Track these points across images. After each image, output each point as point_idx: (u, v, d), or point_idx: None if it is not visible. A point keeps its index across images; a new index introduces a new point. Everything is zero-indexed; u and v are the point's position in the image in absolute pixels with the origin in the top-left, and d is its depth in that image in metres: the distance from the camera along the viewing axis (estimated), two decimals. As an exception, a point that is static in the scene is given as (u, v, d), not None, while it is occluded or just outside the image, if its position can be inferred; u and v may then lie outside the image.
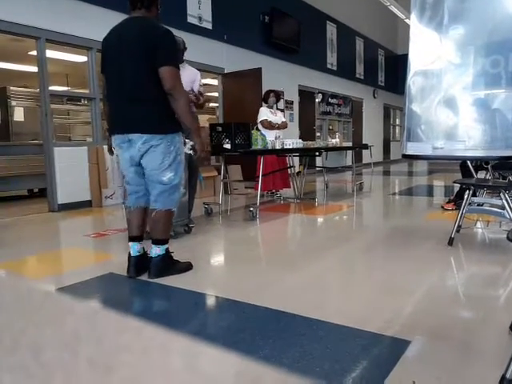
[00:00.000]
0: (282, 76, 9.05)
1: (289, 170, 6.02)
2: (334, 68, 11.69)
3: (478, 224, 4.01)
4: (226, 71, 7.72)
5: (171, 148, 2.40)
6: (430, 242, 3.34)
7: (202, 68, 6.94)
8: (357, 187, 6.90)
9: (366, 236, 3.79)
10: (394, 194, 7.10)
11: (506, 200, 2.95)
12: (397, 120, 16.94)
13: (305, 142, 5.61)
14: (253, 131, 4.81)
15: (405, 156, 1.81)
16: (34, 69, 5.58)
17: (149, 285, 2.45)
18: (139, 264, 2.55)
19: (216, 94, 8.21)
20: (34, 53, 5.23)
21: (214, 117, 9.04)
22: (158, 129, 2.36)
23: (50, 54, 5.38)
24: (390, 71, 15.39)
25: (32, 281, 2.49)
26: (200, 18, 7.14)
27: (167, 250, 2.56)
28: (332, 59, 11.57)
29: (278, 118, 5.97)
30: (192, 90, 3.67)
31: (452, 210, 4.58)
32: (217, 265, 3.11)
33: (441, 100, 1.68)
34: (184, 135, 2.63)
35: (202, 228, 4.00)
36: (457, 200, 4.54)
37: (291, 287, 2.39)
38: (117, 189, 5.53)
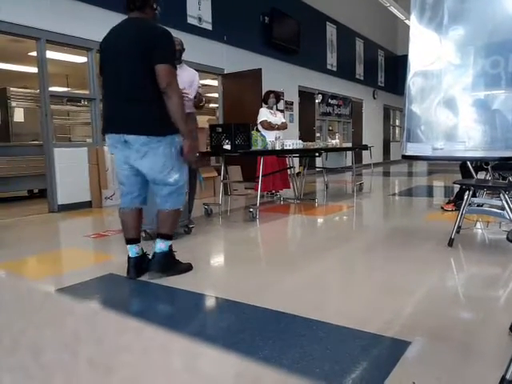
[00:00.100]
0: (282, 77, 9.06)
1: (289, 170, 6.02)
2: (334, 69, 11.69)
3: (478, 225, 4.01)
4: (225, 72, 7.72)
5: (172, 150, 2.39)
6: (429, 242, 3.34)
7: (201, 69, 6.95)
8: (357, 188, 6.90)
9: (366, 236, 3.79)
10: (394, 194, 7.10)
11: (506, 201, 2.95)
12: (397, 121, 16.95)
13: (305, 143, 5.61)
14: (253, 132, 4.81)
15: (405, 157, 1.81)
16: (34, 69, 5.58)
17: (149, 285, 2.45)
18: (139, 265, 2.55)
19: (216, 95, 8.22)
20: (34, 53, 5.24)
21: (214, 117, 9.04)
22: (156, 130, 2.33)
23: (50, 54, 5.39)
24: (390, 72, 15.40)
25: (32, 281, 2.49)
26: (200, 19, 7.15)
27: (171, 247, 2.57)
28: (332, 60, 11.58)
29: (277, 118, 5.97)
30: (194, 97, 3.68)
31: (452, 210, 4.58)
32: (217, 265, 3.11)
33: (441, 101, 1.68)
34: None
35: (201, 229, 4.00)
36: (457, 201, 4.54)
37: (291, 288, 2.39)
38: (117, 189, 5.52)
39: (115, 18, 2.52)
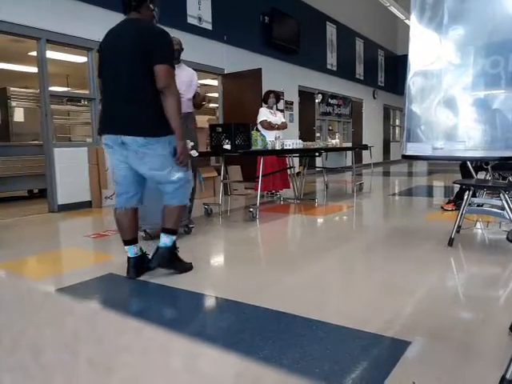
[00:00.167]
0: (282, 76, 9.06)
1: (288, 170, 6.02)
2: (334, 68, 11.69)
3: (478, 225, 4.01)
4: (225, 72, 7.72)
5: (170, 150, 2.39)
6: (429, 242, 3.35)
7: (201, 69, 6.96)
8: (357, 188, 6.90)
9: (366, 236, 3.79)
10: (394, 194, 7.10)
11: (506, 200, 2.95)
12: (397, 120, 16.95)
13: (305, 143, 5.61)
14: (253, 132, 4.82)
15: (405, 156, 1.81)
16: (34, 69, 5.58)
17: (148, 285, 2.45)
18: (139, 265, 2.55)
19: (216, 95, 8.22)
20: (35, 53, 5.24)
21: (214, 117, 9.04)
22: (154, 131, 2.32)
23: (51, 54, 5.39)
24: (390, 72, 15.40)
25: (32, 281, 2.49)
26: (200, 19, 7.15)
27: (174, 243, 2.57)
28: (332, 60, 11.58)
29: (277, 118, 5.97)
30: (193, 97, 3.68)
31: (452, 210, 4.58)
32: (217, 265, 3.11)
33: (441, 100, 1.68)
34: None
35: (201, 228, 4.00)
36: (457, 201, 4.54)
37: (291, 288, 2.39)
38: (117, 189, 5.52)
39: (115, 18, 2.52)
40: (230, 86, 7.69)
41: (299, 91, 10.05)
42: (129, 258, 2.55)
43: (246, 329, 1.84)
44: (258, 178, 4.73)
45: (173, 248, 2.57)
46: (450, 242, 3.13)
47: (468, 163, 4.07)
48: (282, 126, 5.98)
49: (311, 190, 7.46)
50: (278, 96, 6.20)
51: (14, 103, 6.90)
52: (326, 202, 6.05)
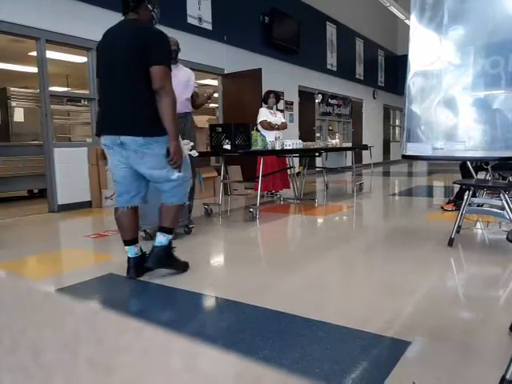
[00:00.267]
0: (282, 77, 9.06)
1: (288, 170, 6.02)
2: (334, 69, 11.69)
3: (478, 225, 4.01)
4: (225, 72, 7.72)
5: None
6: (429, 242, 3.35)
7: (201, 69, 6.96)
8: (357, 188, 6.90)
9: (366, 236, 3.79)
10: (394, 194, 7.10)
11: (506, 201, 2.95)
12: (397, 120, 16.95)
13: (305, 143, 5.61)
14: (253, 132, 4.82)
15: (405, 157, 1.81)
16: (34, 69, 5.58)
17: (148, 285, 2.45)
18: (139, 265, 2.55)
19: (216, 95, 8.21)
20: (34, 53, 5.23)
21: (214, 117, 9.04)
22: (152, 131, 2.32)
23: (50, 54, 5.39)
24: (390, 72, 15.40)
25: (32, 281, 2.49)
26: (200, 19, 7.15)
27: (170, 242, 2.57)
28: (332, 60, 11.58)
29: (277, 118, 5.97)
30: (191, 97, 3.68)
31: (452, 210, 4.58)
32: (217, 265, 3.11)
33: (441, 100, 1.68)
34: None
35: (201, 229, 4.00)
36: (457, 201, 4.54)
37: (291, 288, 2.39)
38: (117, 189, 5.52)
39: (115, 18, 2.51)
40: (229, 86, 7.69)
41: (299, 91, 10.05)
42: (129, 258, 2.54)
43: (246, 329, 1.84)
44: (258, 178, 4.73)
45: (169, 247, 2.56)
46: (450, 242, 3.13)
47: (468, 163, 4.08)
48: (282, 126, 5.98)
49: (311, 190, 7.46)
50: (278, 96, 6.20)
51: (13, 103, 6.91)
52: (326, 202, 6.05)
